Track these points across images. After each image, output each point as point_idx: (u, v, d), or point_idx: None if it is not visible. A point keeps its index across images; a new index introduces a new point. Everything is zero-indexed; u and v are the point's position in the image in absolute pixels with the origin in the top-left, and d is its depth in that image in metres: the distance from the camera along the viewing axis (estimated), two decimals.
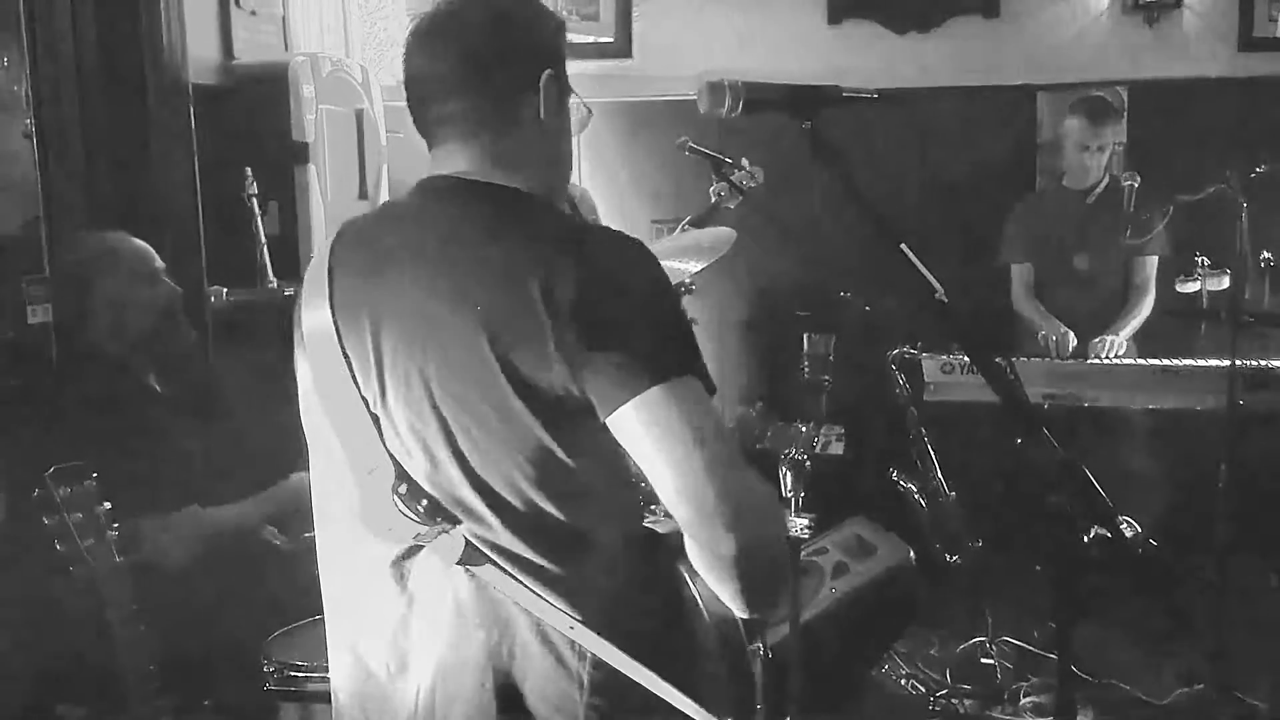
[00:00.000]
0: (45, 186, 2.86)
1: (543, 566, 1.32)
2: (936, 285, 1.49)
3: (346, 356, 1.39)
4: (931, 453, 3.88)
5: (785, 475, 2.36)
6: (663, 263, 2.94)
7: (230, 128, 3.65)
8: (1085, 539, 1.52)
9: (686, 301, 3.53)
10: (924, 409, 3.86)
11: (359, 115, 4.10)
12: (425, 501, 1.34)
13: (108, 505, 1.99)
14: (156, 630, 2.05)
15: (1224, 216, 3.71)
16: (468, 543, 1.33)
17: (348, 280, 1.42)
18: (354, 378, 1.39)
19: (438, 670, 1.38)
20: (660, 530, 1.39)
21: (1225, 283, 3.88)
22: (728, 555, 1.25)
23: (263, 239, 3.43)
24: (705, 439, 1.26)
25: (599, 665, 1.33)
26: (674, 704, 1.32)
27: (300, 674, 2.18)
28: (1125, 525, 1.53)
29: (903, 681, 3.61)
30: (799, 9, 4.69)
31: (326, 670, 2.12)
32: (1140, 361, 3.79)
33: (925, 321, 1.53)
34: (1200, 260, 3.83)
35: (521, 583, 1.32)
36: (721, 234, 2.93)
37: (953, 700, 3.51)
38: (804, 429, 4.41)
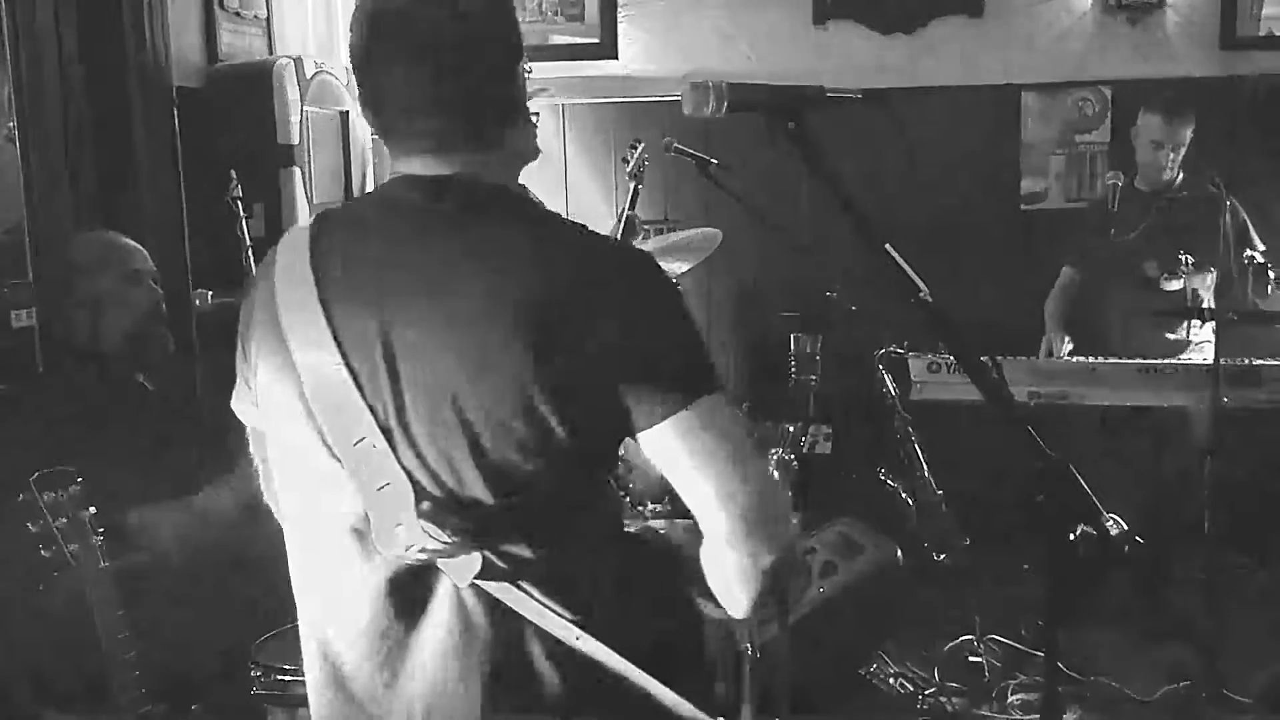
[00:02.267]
0: (28, 190, 2.85)
1: (555, 578, 1.32)
2: (920, 285, 1.49)
3: (350, 365, 1.31)
4: (919, 452, 3.89)
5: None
6: None
7: (215, 130, 3.63)
8: (1071, 537, 1.52)
9: None
10: (911, 408, 3.88)
11: (344, 117, 4.09)
12: (454, 520, 1.29)
13: (93, 510, 1.98)
14: (143, 635, 2.04)
15: (1208, 215, 3.75)
16: (485, 560, 1.29)
17: (343, 285, 1.33)
18: (359, 387, 1.31)
19: (432, 690, 1.34)
20: (662, 530, 1.41)
21: (1210, 281, 3.90)
22: (766, 564, 1.28)
23: (248, 242, 3.42)
24: (743, 453, 1.29)
25: (603, 678, 1.32)
26: (678, 712, 1.32)
27: (288, 678, 2.17)
28: (1111, 523, 1.53)
29: (891, 680, 3.61)
30: (784, 10, 4.69)
31: None
32: (1125, 360, 3.80)
33: (911, 321, 1.53)
34: (1184, 258, 3.84)
35: (534, 597, 1.30)
36: (708, 234, 2.93)
37: (941, 698, 3.51)
38: (791, 429, 4.44)
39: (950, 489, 3.82)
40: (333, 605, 1.41)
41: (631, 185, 3.78)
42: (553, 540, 1.32)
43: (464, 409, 1.27)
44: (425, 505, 1.29)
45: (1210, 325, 3.66)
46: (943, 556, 3.74)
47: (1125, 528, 1.50)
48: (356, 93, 1.41)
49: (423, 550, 1.29)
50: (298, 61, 3.75)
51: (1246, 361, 3.66)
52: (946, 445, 3.88)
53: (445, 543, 1.28)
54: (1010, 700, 3.47)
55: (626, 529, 1.44)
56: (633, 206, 3.78)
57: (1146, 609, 3.93)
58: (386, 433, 1.30)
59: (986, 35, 4.67)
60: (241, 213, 3.43)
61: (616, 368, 1.27)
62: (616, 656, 1.31)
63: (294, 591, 1.47)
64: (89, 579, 1.96)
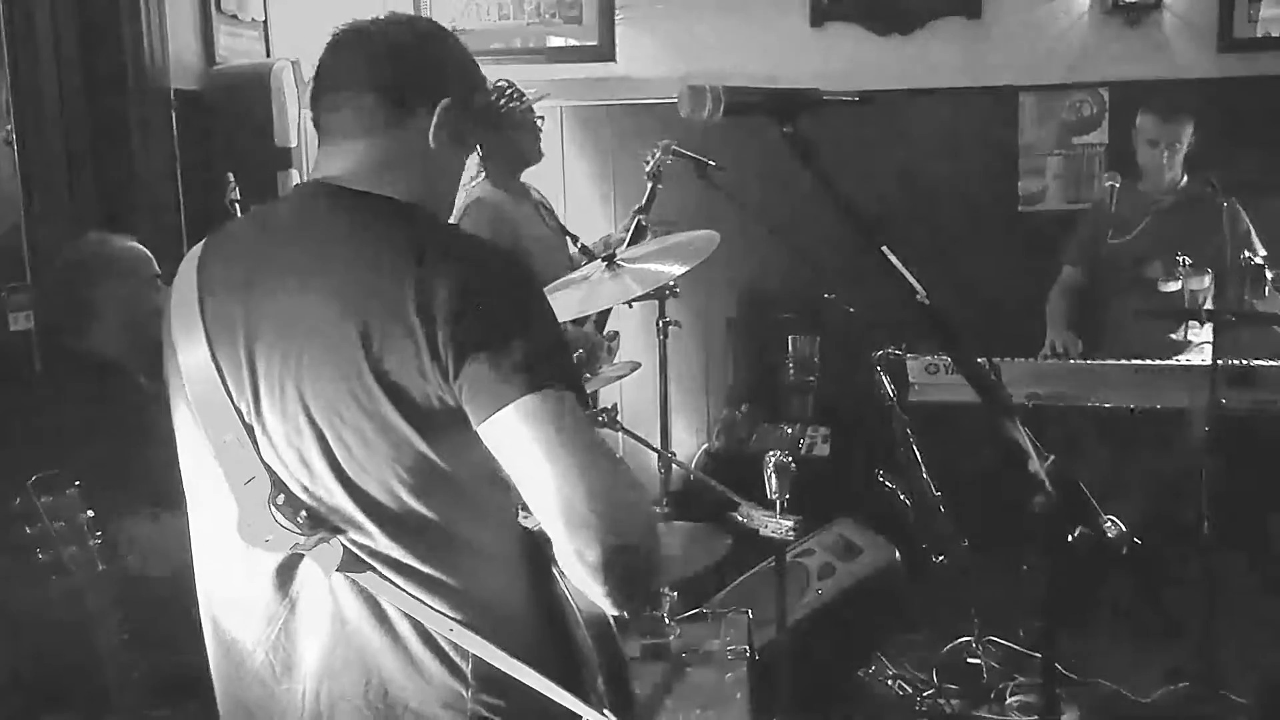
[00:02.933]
0: (26, 193, 2.85)
1: (422, 571, 1.34)
2: (918, 287, 1.49)
3: (218, 365, 1.38)
4: (917, 453, 3.89)
5: (771, 477, 2.36)
6: (648, 266, 2.95)
7: (212, 133, 3.64)
8: (1070, 538, 1.52)
9: (671, 304, 3.54)
10: (909, 409, 3.87)
11: None
12: (304, 513, 1.34)
13: (90, 513, 1.98)
14: (140, 637, 2.04)
15: (1206, 216, 3.75)
16: (346, 550, 1.33)
17: (218, 287, 1.42)
18: (225, 386, 1.38)
19: (323, 672, 1.38)
20: (532, 528, 1.40)
21: (1206, 282, 3.90)
22: (593, 563, 1.27)
23: None
24: (577, 448, 1.27)
25: (482, 662, 1.34)
26: (556, 699, 1.34)
27: None
28: (1109, 524, 1.53)
29: (889, 682, 3.61)
30: (781, 12, 4.70)
31: None
32: (1123, 361, 3.81)
33: (909, 322, 1.53)
34: (1181, 260, 3.84)
35: (400, 588, 1.34)
36: (706, 237, 2.93)
37: (939, 700, 3.51)
38: (790, 430, 4.44)
39: (948, 490, 3.82)
40: (226, 589, 1.47)
41: (649, 185, 3.76)
42: (418, 540, 1.34)
43: (310, 407, 1.33)
44: (280, 498, 1.34)
45: (1209, 326, 3.66)
46: (941, 558, 3.73)
47: (1123, 529, 1.50)
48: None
49: (279, 541, 1.34)
50: (295, 64, 3.76)
51: (1244, 362, 3.67)
52: (945, 447, 3.87)
53: (301, 535, 1.33)
54: (1009, 701, 3.47)
55: (514, 522, 1.43)
56: (647, 208, 3.75)
57: (1144, 610, 3.93)
58: (249, 429, 1.37)
59: (984, 37, 4.67)
60: (240, 215, 3.43)
61: (453, 356, 1.28)
62: (492, 648, 1.33)
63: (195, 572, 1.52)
64: (86, 582, 1.96)
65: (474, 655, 1.34)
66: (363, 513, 1.33)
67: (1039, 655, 2.58)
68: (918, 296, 1.49)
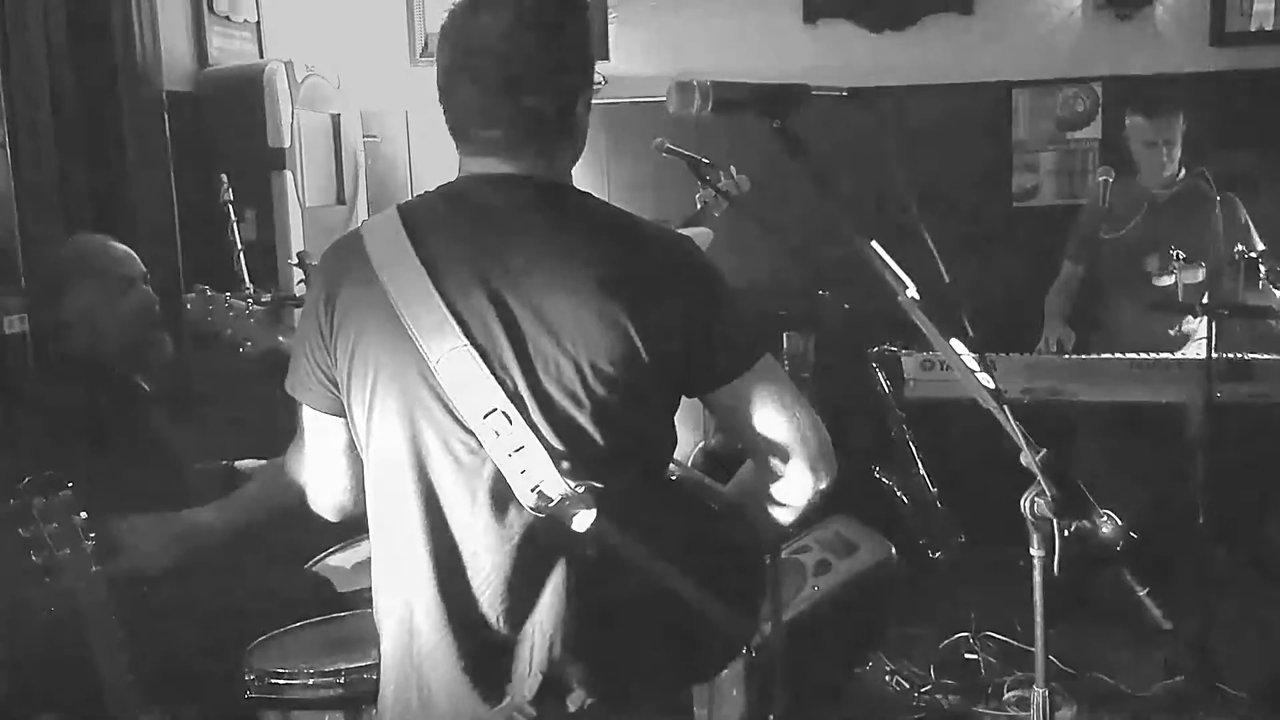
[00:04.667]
0: (19, 195, 2.84)
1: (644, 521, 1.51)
2: (907, 282, 1.49)
3: (476, 344, 1.45)
4: (913, 449, 3.89)
5: None
6: None
7: (205, 134, 3.64)
8: (1065, 534, 1.52)
9: None
10: (905, 406, 3.87)
11: (335, 120, 4.09)
12: (580, 476, 1.45)
13: (84, 514, 1.98)
14: (136, 639, 2.04)
15: (1200, 210, 3.75)
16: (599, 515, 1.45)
17: (451, 271, 1.47)
18: (489, 363, 1.45)
19: (555, 628, 1.49)
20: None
21: (1200, 276, 3.90)
22: (824, 488, 1.60)
23: (239, 245, 3.42)
24: (800, 400, 1.58)
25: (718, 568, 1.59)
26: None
27: (281, 681, 2.17)
28: (1105, 519, 1.53)
29: (887, 677, 3.61)
30: (775, 9, 4.70)
31: (308, 677, 2.14)
32: (1118, 356, 3.81)
33: (904, 319, 1.53)
34: (1175, 254, 3.84)
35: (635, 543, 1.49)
36: (698, 235, 2.93)
37: (937, 695, 3.52)
38: None
39: (945, 486, 3.82)
40: (463, 557, 1.52)
41: (698, 207, 3.70)
42: (640, 495, 1.53)
43: (581, 368, 1.45)
44: (565, 464, 1.45)
45: (1203, 320, 3.66)
46: (938, 554, 3.73)
47: (1119, 523, 1.50)
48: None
49: (554, 505, 1.44)
50: (288, 65, 3.75)
51: (1239, 356, 3.66)
52: (941, 443, 3.87)
53: (574, 496, 1.44)
54: (1006, 697, 3.47)
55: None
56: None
57: (1141, 604, 3.93)
58: (516, 400, 1.45)
59: (977, 32, 4.67)
60: (233, 216, 3.43)
61: (694, 336, 1.52)
62: (687, 582, 1.52)
63: (399, 558, 1.56)
64: (81, 584, 1.96)
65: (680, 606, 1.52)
66: (612, 469, 1.48)
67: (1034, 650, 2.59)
68: (906, 291, 1.49)
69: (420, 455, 1.51)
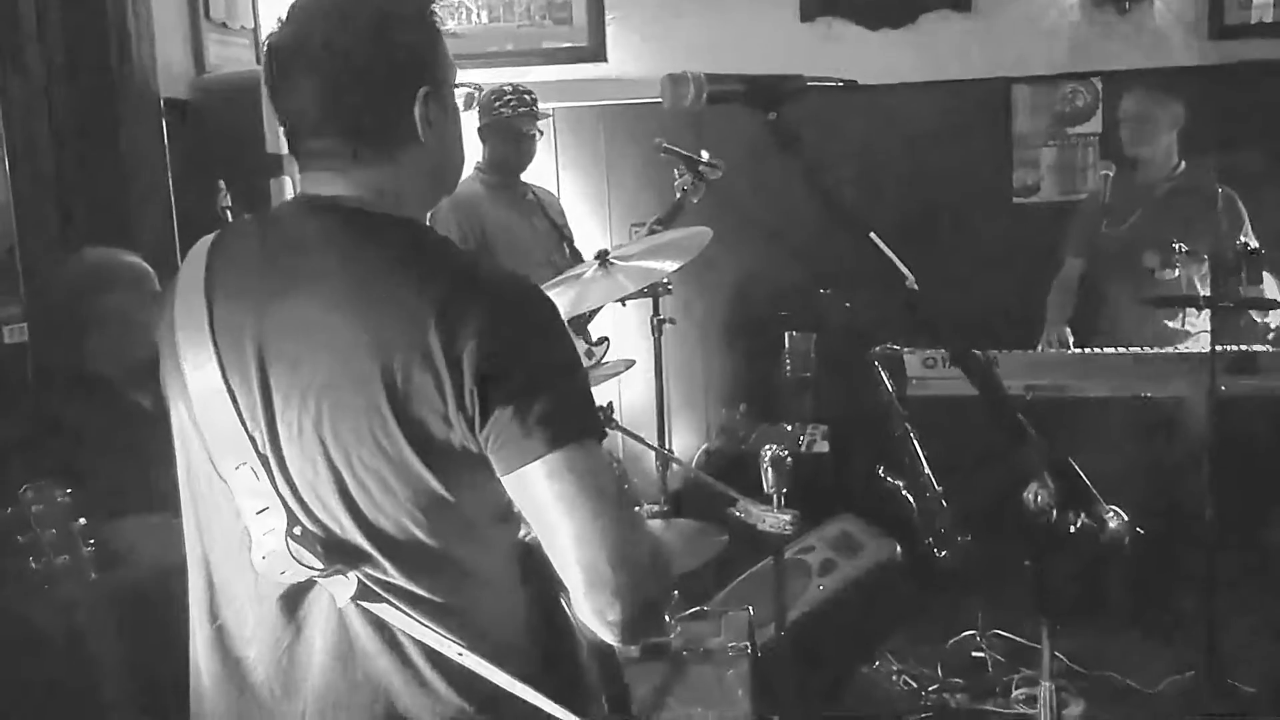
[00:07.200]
0: (17, 205, 2.84)
1: (433, 600, 1.32)
2: (907, 273, 1.48)
3: (230, 387, 1.33)
4: (918, 448, 3.87)
5: (767, 471, 2.35)
6: (640, 263, 2.94)
7: (203, 141, 3.63)
8: (1071, 530, 1.50)
9: (667, 302, 3.54)
10: (909, 404, 3.86)
11: None
12: (319, 547, 1.31)
13: (82, 521, 1.96)
14: (135, 647, 2.02)
15: (1201, 203, 3.73)
16: (360, 582, 1.31)
17: (228, 302, 1.36)
18: (238, 411, 1.33)
19: (327, 694, 1.35)
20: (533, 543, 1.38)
21: (1203, 269, 3.89)
22: (614, 620, 1.28)
23: None
24: (603, 507, 1.27)
25: (488, 683, 1.32)
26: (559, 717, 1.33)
27: None
28: (1111, 514, 1.52)
29: (894, 677, 3.60)
30: (771, 7, 4.69)
31: None
32: (1120, 350, 3.79)
33: (905, 317, 1.51)
34: (1178, 247, 3.83)
35: (412, 616, 1.32)
36: (698, 233, 2.92)
37: (944, 694, 3.50)
38: (789, 429, 4.43)
39: (950, 485, 3.80)
40: (229, 608, 1.41)
41: (677, 197, 3.69)
42: (430, 573, 1.32)
43: (329, 447, 1.29)
44: (297, 531, 1.31)
45: (1206, 313, 3.65)
46: (943, 553, 3.71)
47: (1125, 519, 1.49)
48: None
49: (295, 574, 1.31)
50: None
51: (1244, 348, 3.65)
52: (945, 441, 3.86)
53: (317, 568, 1.30)
54: (1014, 695, 3.46)
55: (522, 550, 1.41)
56: (668, 221, 3.65)
57: (1149, 600, 3.91)
58: (263, 459, 1.32)
59: (975, 29, 4.66)
60: (244, 219, 3.41)
61: (479, 408, 1.25)
62: (500, 673, 1.32)
63: (190, 577, 1.46)
64: (78, 591, 1.94)
65: (480, 677, 1.32)
66: (376, 549, 1.31)
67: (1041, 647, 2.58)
68: (907, 283, 1.47)
69: (194, 495, 1.44)
